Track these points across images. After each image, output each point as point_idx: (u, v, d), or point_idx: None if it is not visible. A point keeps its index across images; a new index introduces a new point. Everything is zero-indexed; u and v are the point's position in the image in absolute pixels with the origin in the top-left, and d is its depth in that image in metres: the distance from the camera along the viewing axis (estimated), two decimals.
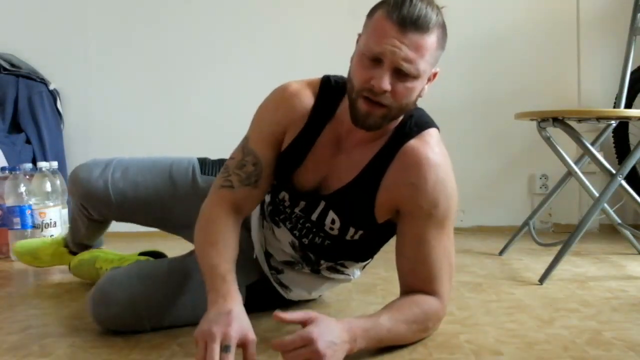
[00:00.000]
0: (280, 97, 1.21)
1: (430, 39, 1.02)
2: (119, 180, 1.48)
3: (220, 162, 1.51)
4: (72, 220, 1.69)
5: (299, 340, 0.96)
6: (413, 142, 1.12)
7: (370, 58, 1.03)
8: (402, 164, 1.12)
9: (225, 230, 1.16)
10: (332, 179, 1.19)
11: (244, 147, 1.22)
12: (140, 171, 1.49)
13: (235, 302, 1.03)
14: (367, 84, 1.04)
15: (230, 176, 1.20)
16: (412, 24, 1.00)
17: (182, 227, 1.45)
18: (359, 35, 1.10)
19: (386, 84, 1.02)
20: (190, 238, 1.40)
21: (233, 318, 0.99)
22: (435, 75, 1.11)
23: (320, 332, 0.97)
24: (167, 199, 1.47)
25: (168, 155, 1.55)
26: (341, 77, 1.21)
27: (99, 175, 1.49)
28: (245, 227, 1.40)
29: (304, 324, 1.00)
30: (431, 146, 1.12)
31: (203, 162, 1.50)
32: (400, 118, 1.14)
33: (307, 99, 1.19)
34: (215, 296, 1.05)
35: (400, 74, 1.03)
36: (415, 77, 1.04)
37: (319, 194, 1.21)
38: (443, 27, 1.06)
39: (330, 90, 1.19)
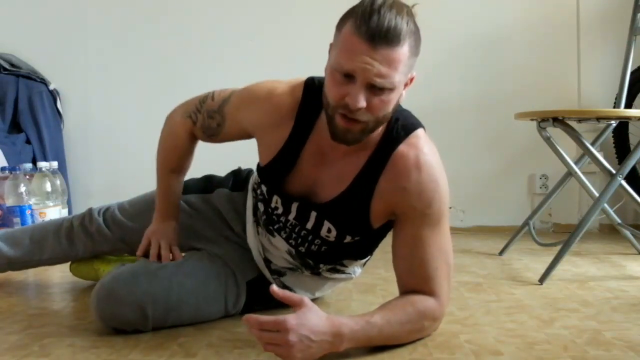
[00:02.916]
0: (266, 99, 1.21)
1: (402, 50, 0.99)
2: (115, 216, 1.54)
3: (206, 178, 1.54)
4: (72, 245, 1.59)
5: (273, 324, 0.97)
6: (402, 148, 1.12)
7: (342, 74, 1.01)
8: (394, 170, 1.12)
9: (184, 155, 1.41)
10: (322, 188, 1.19)
11: (223, 103, 1.30)
12: (131, 204, 1.56)
13: (175, 221, 1.42)
14: (342, 100, 1.02)
15: (199, 114, 1.33)
16: (383, 39, 0.97)
17: (181, 242, 1.43)
18: (331, 45, 1.07)
19: (361, 101, 1.00)
20: (188, 249, 1.43)
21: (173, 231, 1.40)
22: (412, 80, 1.09)
23: (299, 324, 0.98)
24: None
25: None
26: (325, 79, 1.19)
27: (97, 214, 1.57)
28: (242, 226, 1.41)
29: (294, 307, 1.01)
30: (420, 148, 1.12)
31: (185, 185, 1.50)
32: (384, 125, 1.13)
33: (291, 104, 1.18)
34: (164, 214, 1.41)
35: (375, 88, 1.01)
36: (390, 90, 1.02)
37: (309, 201, 1.21)
38: (415, 33, 1.02)
39: (313, 93, 1.17)
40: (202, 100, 1.33)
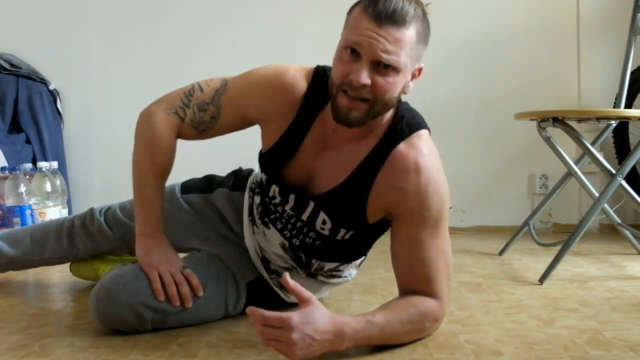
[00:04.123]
0: (276, 83, 1.20)
1: (409, 32, 1.02)
2: (117, 215, 1.52)
3: (206, 178, 1.52)
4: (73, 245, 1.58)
5: (278, 320, 0.97)
6: (402, 147, 1.11)
7: (349, 51, 1.03)
8: (392, 169, 1.11)
9: (171, 157, 1.29)
10: (320, 177, 1.19)
11: (217, 94, 1.24)
12: (132, 204, 1.46)
13: (164, 233, 1.30)
14: (346, 78, 1.03)
15: (188, 108, 1.26)
16: (389, 18, 1.00)
17: (181, 242, 1.41)
18: (341, 34, 1.09)
19: (364, 77, 1.01)
20: (188, 250, 1.41)
21: (174, 254, 1.29)
22: (420, 71, 1.10)
23: (303, 322, 0.97)
24: None
25: None
26: None
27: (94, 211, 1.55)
28: (242, 226, 1.41)
29: (301, 303, 1.01)
30: (420, 149, 1.11)
31: (186, 185, 1.50)
32: (389, 117, 1.13)
33: (299, 90, 1.18)
34: (151, 229, 1.28)
35: (380, 67, 1.02)
36: (395, 69, 1.03)
37: (307, 192, 1.21)
38: (423, 20, 1.04)
39: (321, 81, 1.18)
40: (188, 93, 1.27)
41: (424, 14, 1.05)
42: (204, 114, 1.25)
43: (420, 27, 1.04)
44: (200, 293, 1.25)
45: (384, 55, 1.01)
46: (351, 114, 1.06)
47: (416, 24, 1.02)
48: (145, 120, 1.28)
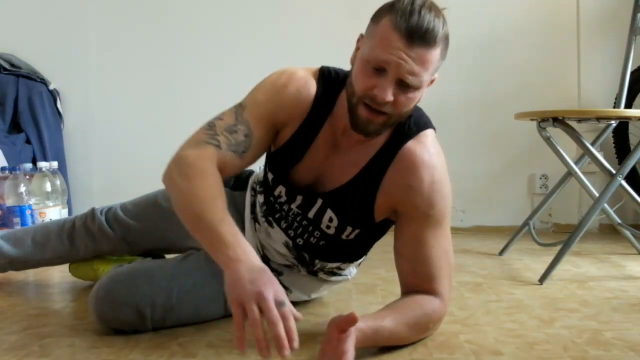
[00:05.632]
0: (288, 82, 1.18)
1: (436, 52, 1.02)
2: (118, 215, 1.53)
3: None
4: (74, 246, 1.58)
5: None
6: (410, 145, 1.12)
7: (374, 67, 1.02)
8: (400, 166, 1.12)
9: (220, 184, 1.08)
10: (329, 177, 1.19)
11: (238, 114, 1.17)
12: (133, 204, 1.53)
13: (258, 259, 0.99)
14: (370, 91, 1.03)
15: (218, 136, 1.13)
16: (420, 38, 0.99)
17: (181, 242, 1.43)
18: (361, 35, 1.09)
19: (389, 95, 1.02)
20: (188, 249, 1.40)
21: (270, 275, 0.96)
22: (433, 81, 1.10)
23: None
24: (159, 222, 1.49)
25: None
26: (340, 70, 1.20)
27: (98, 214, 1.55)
28: (243, 226, 1.40)
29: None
30: (427, 147, 1.13)
31: None
32: None
33: (311, 91, 1.17)
34: (235, 252, 0.98)
35: (403, 85, 1.03)
36: (417, 88, 1.04)
37: (315, 191, 1.21)
38: (447, 37, 1.04)
39: (329, 83, 1.18)
40: (208, 127, 1.15)
41: (448, 30, 1.04)
42: (236, 135, 1.14)
43: (444, 45, 1.04)
44: (294, 345, 0.91)
45: (409, 77, 1.01)
46: (370, 126, 1.07)
47: (442, 42, 1.03)
48: (177, 167, 1.09)
